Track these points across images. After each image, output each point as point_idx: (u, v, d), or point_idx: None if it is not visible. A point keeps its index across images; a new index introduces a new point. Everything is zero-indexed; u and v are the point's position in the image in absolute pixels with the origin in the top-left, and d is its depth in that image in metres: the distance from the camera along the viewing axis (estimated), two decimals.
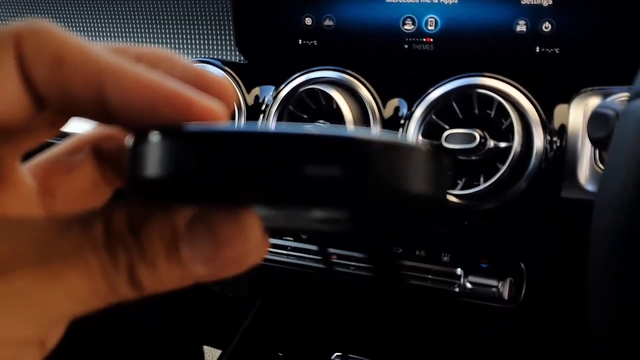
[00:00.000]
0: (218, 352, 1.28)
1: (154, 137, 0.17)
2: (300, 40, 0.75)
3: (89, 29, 0.95)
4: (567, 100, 0.62)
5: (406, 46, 0.70)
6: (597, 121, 0.44)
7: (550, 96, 0.62)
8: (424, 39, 0.69)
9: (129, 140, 0.18)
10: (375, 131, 0.14)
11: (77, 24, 0.95)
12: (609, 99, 0.56)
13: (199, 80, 0.20)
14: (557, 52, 0.65)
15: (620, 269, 0.39)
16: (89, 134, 0.24)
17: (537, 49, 0.66)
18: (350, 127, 0.65)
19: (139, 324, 1.15)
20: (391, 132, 0.15)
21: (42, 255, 0.16)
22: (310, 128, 0.16)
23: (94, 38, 0.95)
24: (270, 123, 0.70)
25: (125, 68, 0.18)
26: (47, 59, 0.17)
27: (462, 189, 0.62)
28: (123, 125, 0.19)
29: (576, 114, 0.61)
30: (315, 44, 0.74)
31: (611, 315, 0.41)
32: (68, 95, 0.18)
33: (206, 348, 1.35)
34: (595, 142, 0.45)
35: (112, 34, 0.93)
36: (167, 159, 0.16)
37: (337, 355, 0.88)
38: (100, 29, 0.94)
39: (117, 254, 0.17)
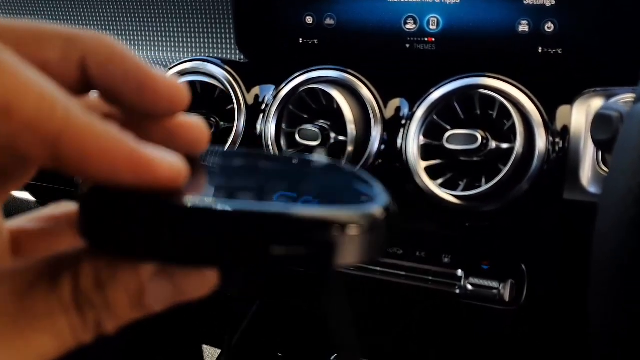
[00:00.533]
0: (217, 351, 1.28)
1: (125, 204, 0.17)
2: (301, 39, 0.74)
3: (85, 27, 0.94)
4: (570, 101, 0.61)
5: (408, 46, 0.70)
6: (601, 123, 0.43)
7: (553, 97, 0.62)
8: (426, 39, 0.69)
9: (83, 194, 0.18)
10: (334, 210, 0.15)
11: (75, 22, 0.95)
12: (613, 100, 0.55)
13: (144, 85, 0.19)
14: (560, 52, 0.65)
15: (624, 272, 0.38)
16: (67, 207, 0.24)
17: (540, 50, 0.65)
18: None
19: (138, 323, 1.15)
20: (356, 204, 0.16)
21: (9, 317, 0.17)
22: (274, 205, 0.17)
23: None
24: (271, 124, 0.70)
25: (87, 129, 0.16)
26: (102, 54, 0.17)
27: (464, 190, 0.61)
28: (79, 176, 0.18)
29: (579, 115, 0.60)
30: (316, 43, 0.74)
31: (613, 317, 0.41)
32: (15, 148, 0.16)
33: (205, 347, 1.35)
34: (598, 144, 0.45)
35: (110, 32, 0.93)
36: (131, 232, 0.17)
37: (336, 356, 0.88)
38: (98, 27, 0.93)
39: (85, 312, 0.17)
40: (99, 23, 0.93)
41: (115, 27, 0.92)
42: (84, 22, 0.94)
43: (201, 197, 0.17)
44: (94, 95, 0.20)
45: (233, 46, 0.85)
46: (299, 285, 0.82)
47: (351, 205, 0.18)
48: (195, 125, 0.21)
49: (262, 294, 0.95)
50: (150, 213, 0.17)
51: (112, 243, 0.17)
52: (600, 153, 0.59)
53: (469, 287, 0.68)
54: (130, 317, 0.19)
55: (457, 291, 0.68)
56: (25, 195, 0.96)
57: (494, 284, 0.67)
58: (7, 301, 0.17)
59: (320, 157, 0.24)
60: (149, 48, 0.91)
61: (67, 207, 0.23)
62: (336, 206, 0.18)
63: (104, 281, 0.18)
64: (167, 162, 0.17)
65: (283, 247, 0.17)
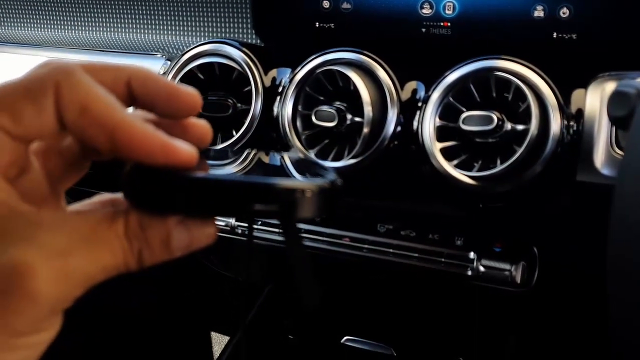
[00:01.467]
0: (226, 338, 1.29)
1: (158, 178, 0.26)
2: (317, 23, 0.75)
3: (106, 12, 0.95)
4: (584, 85, 0.62)
5: (423, 30, 0.71)
6: (618, 100, 0.44)
7: (568, 80, 0.63)
8: (442, 23, 0.70)
9: (127, 171, 0.27)
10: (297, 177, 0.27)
11: (95, 8, 0.96)
12: (630, 79, 0.56)
13: (171, 96, 0.28)
14: (575, 37, 0.65)
15: None
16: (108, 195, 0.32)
17: (555, 35, 0.66)
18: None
19: (148, 311, 1.16)
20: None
21: (85, 240, 0.25)
22: (257, 178, 0.26)
23: (112, 21, 0.95)
24: (287, 105, 0.71)
25: (133, 126, 0.25)
26: (75, 107, 0.25)
27: (478, 171, 0.62)
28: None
29: (593, 99, 0.61)
30: (333, 26, 0.75)
31: (633, 299, 0.41)
32: (86, 135, 0.25)
33: (214, 334, 1.36)
34: (615, 121, 0.46)
35: (129, 18, 0.94)
36: (163, 195, 0.26)
37: (347, 339, 0.89)
38: (117, 12, 0.94)
39: (132, 244, 0.26)
40: (119, 9, 0.94)
41: (134, 13, 0.93)
42: (104, 7, 0.95)
43: (207, 173, 0.27)
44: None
45: (250, 30, 0.86)
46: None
47: (307, 179, 0.28)
48: (203, 124, 0.30)
49: (272, 278, 0.96)
50: (174, 182, 0.25)
51: (148, 203, 0.26)
52: (614, 135, 0.59)
53: (481, 268, 0.69)
54: (161, 256, 0.27)
55: (469, 273, 0.69)
56: None
57: (506, 266, 0.68)
58: (81, 229, 0.25)
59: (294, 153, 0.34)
60: (167, 32, 0.92)
61: (108, 195, 0.31)
62: (297, 180, 0.27)
63: (144, 225, 0.26)
64: (186, 149, 0.26)
65: (262, 205, 0.25)
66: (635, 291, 0.41)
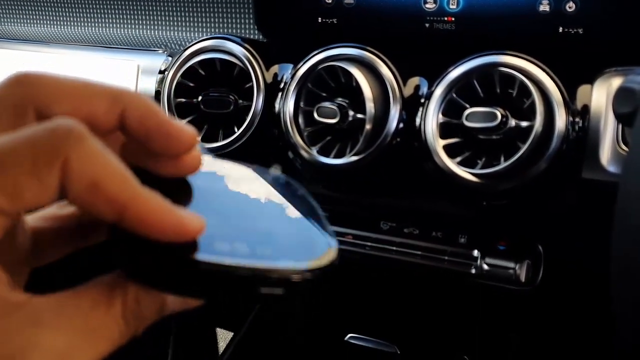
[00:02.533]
0: (231, 334, 1.28)
1: (165, 260, 0.24)
2: (320, 19, 0.74)
3: (108, 8, 0.95)
4: (590, 80, 0.61)
5: (427, 25, 0.70)
6: (623, 96, 0.43)
7: (573, 76, 0.62)
8: (446, 18, 0.69)
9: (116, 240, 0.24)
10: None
11: (96, 4, 0.96)
12: (635, 74, 0.55)
13: (169, 136, 0.26)
14: (581, 32, 0.64)
15: None
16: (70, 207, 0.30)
17: (560, 29, 0.65)
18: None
19: None
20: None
21: (79, 331, 0.23)
22: (260, 261, 0.24)
23: (113, 17, 0.95)
24: (289, 101, 0.70)
25: (147, 203, 0.23)
26: (84, 182, 0.22)
27: (482, 168, 0.61)
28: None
29: (599, 95, 0.60)
30: (335, 22, 0.74)
31: (637, 297, 0.40)
32: (92, 209, 0.23)
33: (219, 330, 1.36)
34: (620, 118, 0.45)
35: (130, 13, 0.93)
36: (164, 274, 0.24)
37: (351, 336, 0.88)
38: (119, 6, 0.94)
39: (129, 322, 0.24)
40: (120, 4, 0.94)
41: (135, 9, 0.93)
42: (105, 3, 0.95)
43: (208, 253, 0.24)
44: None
45: (252, 26, 0.85)
46: None
47: (310, 254, 0.26)
48: (196, 156, 0.27)
49: None
50: (171, 262, 0.24)
51: (147, 279, 0.24)
52: (620, 132, 0.58)
53: (485, 267, 0.68)
54: (152, 321, 0.25)
55: (473, 271, 0.69)
56: None
57: (510, 264, 0.68)
58: (79, 320, 0.23)
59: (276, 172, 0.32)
60: (169, 28, 0.91)
61: (70, 208, 0.29)
62: (300, 258, 0.25)
63: (140, 299, 0.24)
64: (197, 224, 0.24)
65: (268, 288, 0.24)
66: None
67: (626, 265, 0.42)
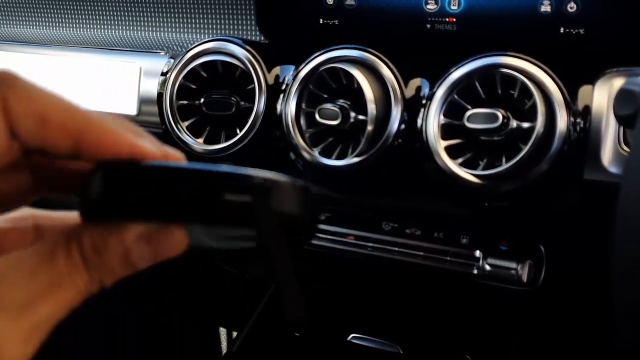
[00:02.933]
0: (234, 334, 1.29)
1: (112, 172, 0.24)
2: (321, 20, 0.74)
3: (110, 10, 0.95)
4: (592, 81, 0.61)
5: (429, 26, 0.70)
6: (624, 98, 0.43)
7: (574, 77, 0.62)
8: (447, 19, 0.69)
9: (93, 174, 0.24)
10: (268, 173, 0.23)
11: (99, 6, 0.96)
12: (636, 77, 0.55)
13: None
14: (582, 32, 0.64)
15: None
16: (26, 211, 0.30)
17: (562, 30, 0.65)
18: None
19: (157, 308, 1.16)
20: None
21: (42, 282, 0.23)
22: (224, 167, 0.24)
23: (115, 19, 0.95)
24: (291, 103, 0.70)
25: (101, 123, 0.24)
26: (31, 118, 0.23)
27: (483, 169, 0.61)
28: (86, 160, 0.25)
29: (600, 95, 0.60)
30: (337, 23, 0.74)
31: (637, 299, 0.41)
32: (47, 143, 0.24)
33: (222, 330, 1.37)
34: (621, 120, 0.45)
35: (134, 14, 0.93)
36: (120, 188, 0.24)
37: (353, 336, 0.88)
38: (117, 9, 0.94)
39: (92, 273, 0.24)
40: (122, 6, 0.94)
41: (137, 11, 0.93)
42: (107, 5, 0.95)
43: (173, 164, 0.25)
44: None
45: (253, 27, 0.85)
46: (316, 266, 0.83)
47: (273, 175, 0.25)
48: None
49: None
50: (132, 172, 0.23)
51: (105, 205, 0.24)
52: (621, 133, 0.58)
53: (487, 267, 0.68)
54: (123, 272, 0.25)
55: (475, 271, 0.69)
56: None
57: (512, 265, 0.68)
58: (40, 272, 0.23)
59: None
60: (171, 30, 0.91)
61: (27, 211, 0.29)
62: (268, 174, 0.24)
63: (99, 248, 0.24)
64: (148, 143, 0.25)
65: (234, 195, 0.23)
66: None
67: (627, 265, 0.42)
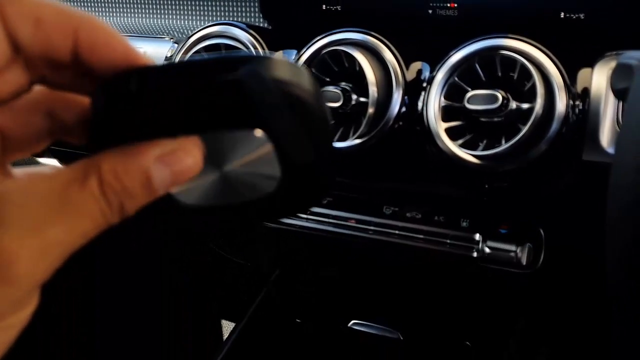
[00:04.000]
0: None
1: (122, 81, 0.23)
2: (324, 6, 0.75)
3: None
4: (591, 64, 0.62)
5: (430, 11, 0.71)
6: (621, 72, 0.44)
7: (574, 59, 0.62)
8: (448, 4, 0.70)
9: (97, 91, 0.24)
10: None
11: None
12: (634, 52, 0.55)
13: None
14: (582, 17, 0.65)
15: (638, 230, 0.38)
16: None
17: (562, 15, 0.66)
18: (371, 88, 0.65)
19: (159, 300, 1.17)
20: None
21: (56, 209, 0.23)
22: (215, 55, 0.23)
23: (120, 5, 0.96)
24: None
25: (95, 20, 0.24)
26: (27, 21, 0.23)
27: (483, 150, 0.62)
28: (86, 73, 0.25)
29: (599, 78, 0.61)
30: (339, 9, 0.75)
31: (630, 276, 0.41)
32: (49, 48, 0.23)
33: (224, 322, 1.37)
34: (618, 94, 0.45)
35: (139, 0, 0.94)
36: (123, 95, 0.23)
37: (354, 323, 0.89)
38: None
39: (110, 199, 0.24)
40: None
41: None
42: None
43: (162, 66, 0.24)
44: None
45: (257, 13, 0.86)
46: (318, 252, 0.83)
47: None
48: None
49: (282, 263, 0.97)
50: (132, 74, 0.23)
51: (114, 119, 0.24)
52: (620, 114, 0.59)
53: (487, 250, 0.69)
54: (144, 200, 0.24)
55: (475, 254, 0.69)
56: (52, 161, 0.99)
57: (512, 248, 0.68)
58: (52, 197, 0.23)
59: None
60: (175, 16, 0.92)
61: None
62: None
63: (120, 173, 0.24)
64: (143, 55, 0.25)
65: (224, 74, 0.22)
66: (633, 267, 0.40)
67: (620, 244, 0.42)
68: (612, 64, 0.60)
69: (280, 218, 0.29)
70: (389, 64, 0.67)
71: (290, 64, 0.24)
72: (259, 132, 0.24)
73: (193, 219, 0.28)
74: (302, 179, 0.27)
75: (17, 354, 0.26)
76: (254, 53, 0.22)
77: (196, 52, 0.75)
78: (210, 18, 0.90)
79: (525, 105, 0.61)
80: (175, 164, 0.24)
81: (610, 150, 0.59)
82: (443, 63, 0.65)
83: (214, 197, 0.27)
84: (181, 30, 0.91)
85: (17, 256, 0.22)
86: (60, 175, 0.24)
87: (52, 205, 0.23)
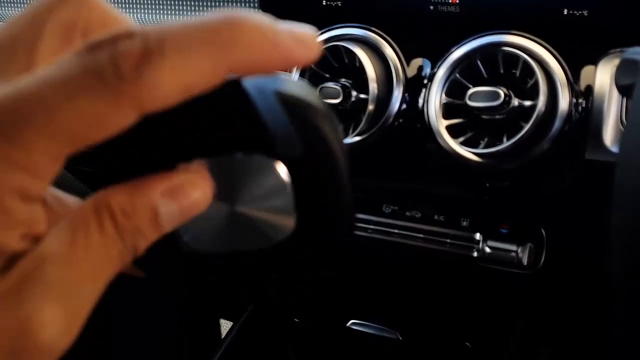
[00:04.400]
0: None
1: None
2: (324, 1, 0.74)
3: None
4: (594, 61, 0.61)
5: (432, 8, 0.70)
6: (626, 67, 0.43)
7: (577, 57, 0.61)
8: (450, 1, 0.69)
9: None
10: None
11: None
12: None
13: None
14: (586, 14, 0.64)
15: None
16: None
17: (565, 11, 0.65)
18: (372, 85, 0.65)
19: (160, 301, 1.16)
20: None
21: (79, 258, 0.22)
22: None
23: (122, 1, 0.95)
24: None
25: None
26: (178, 88, 0.21)
27: (484, 148, 0.61)
28: None
29: (603, 75, 0.60)
30: (340, 4, 0.74)
31: (634, 276, 0.40)
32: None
33: (223, 322, 1.37)
34: (622, 90, 0.44)
35: None
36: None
37: (352, 322, 0.88)
38: None
39: (126, 239, 0.23)
40: None
41: None
42: None
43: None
44: None
45: (257, 9, 0.85)
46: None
47: None
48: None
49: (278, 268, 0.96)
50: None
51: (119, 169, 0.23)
52: (623, 113, 0.58)
53: (487, 250, 0.68)
54: (154, 237, 0.24)
55: (475, 254, 0.68)
56: None
57: (513, 247, 0.67)
58: (75, 248, 0.22)
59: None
60: (173, 12, 0.92)
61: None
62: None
63: (128, 211, 0.23)
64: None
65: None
66: (637, 267, 0.40)
67: (625, 241, 0.41)
68: (616, 61, 0.59)
69: (296, 261, 0.27)
70: (389, 60, 0.67)
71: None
72: (274, 164, 0.23)
73: (203, 267, 0.27)
74: (320, 214, 0.25)
75: None
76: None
77: None
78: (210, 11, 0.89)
79: (527, 103, 0.60)
80: (183, 198, 0.24)
81: (614, 149, 0.58)
82: (444, 59, 0.64)
83: (225, 242, 0.25)
84: None
85: (50, 326, 0.21)
86: (77, 222, 0.22)
87: (80, 260, 0.22)
